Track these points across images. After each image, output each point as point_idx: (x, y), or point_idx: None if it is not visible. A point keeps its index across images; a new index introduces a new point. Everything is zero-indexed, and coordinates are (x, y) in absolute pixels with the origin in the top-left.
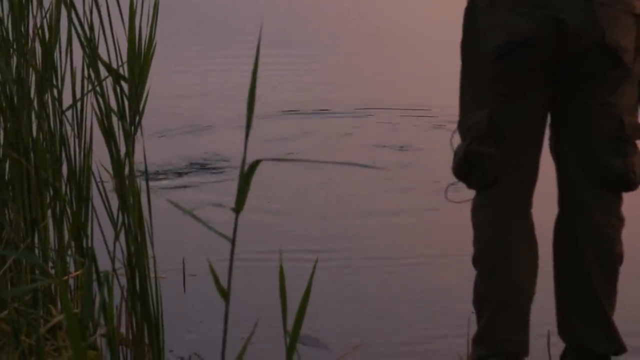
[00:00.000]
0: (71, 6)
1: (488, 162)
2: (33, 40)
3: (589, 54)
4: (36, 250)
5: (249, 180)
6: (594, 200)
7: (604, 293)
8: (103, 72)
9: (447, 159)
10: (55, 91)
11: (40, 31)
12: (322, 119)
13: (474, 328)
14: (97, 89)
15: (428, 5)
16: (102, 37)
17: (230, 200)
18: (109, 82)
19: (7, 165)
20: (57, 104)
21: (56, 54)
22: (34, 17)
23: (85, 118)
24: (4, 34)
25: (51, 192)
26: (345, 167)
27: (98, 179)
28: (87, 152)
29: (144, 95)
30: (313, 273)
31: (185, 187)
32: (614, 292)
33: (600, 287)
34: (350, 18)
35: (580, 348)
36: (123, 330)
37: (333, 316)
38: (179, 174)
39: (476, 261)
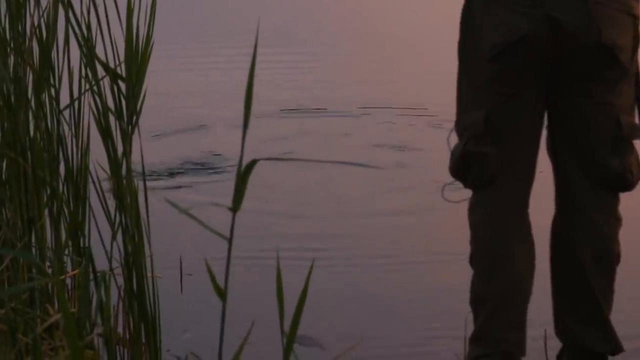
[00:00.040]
0: (69, 5)
1: (485, 162)
2: (30, 39)
3: (586, 54)
4: (33, 250)
5: (245, 180)
6: (591, 200)
7: (601, 292)
8: (100, 71)
9: (446, 159)
10: (52, 90)
11: (37, 30)
12: (322, 119)
13: (471, 328)
14: (95, 88)
15: (428, 5)
16: (99, 36)
17: (228, 199)
18: (106, 82)
19: (4, 164)
20: (54, 103)
21: (54, 53)
22: (32, 16)
23: (83, 117)
24: (1, 32)
25: (48, 191)
26: (344, 167)
27: (95, 178)
28: (85, 152)
29: (142, 95)
30: (310, 273)
31: (183, 186)
32: (611, 292)
33: (598, 286)
34: (351, 18)
35: (577, 347)
36: (120, 329)
37: (332, 316)
38: (177, 174)
39: (473, 260)
